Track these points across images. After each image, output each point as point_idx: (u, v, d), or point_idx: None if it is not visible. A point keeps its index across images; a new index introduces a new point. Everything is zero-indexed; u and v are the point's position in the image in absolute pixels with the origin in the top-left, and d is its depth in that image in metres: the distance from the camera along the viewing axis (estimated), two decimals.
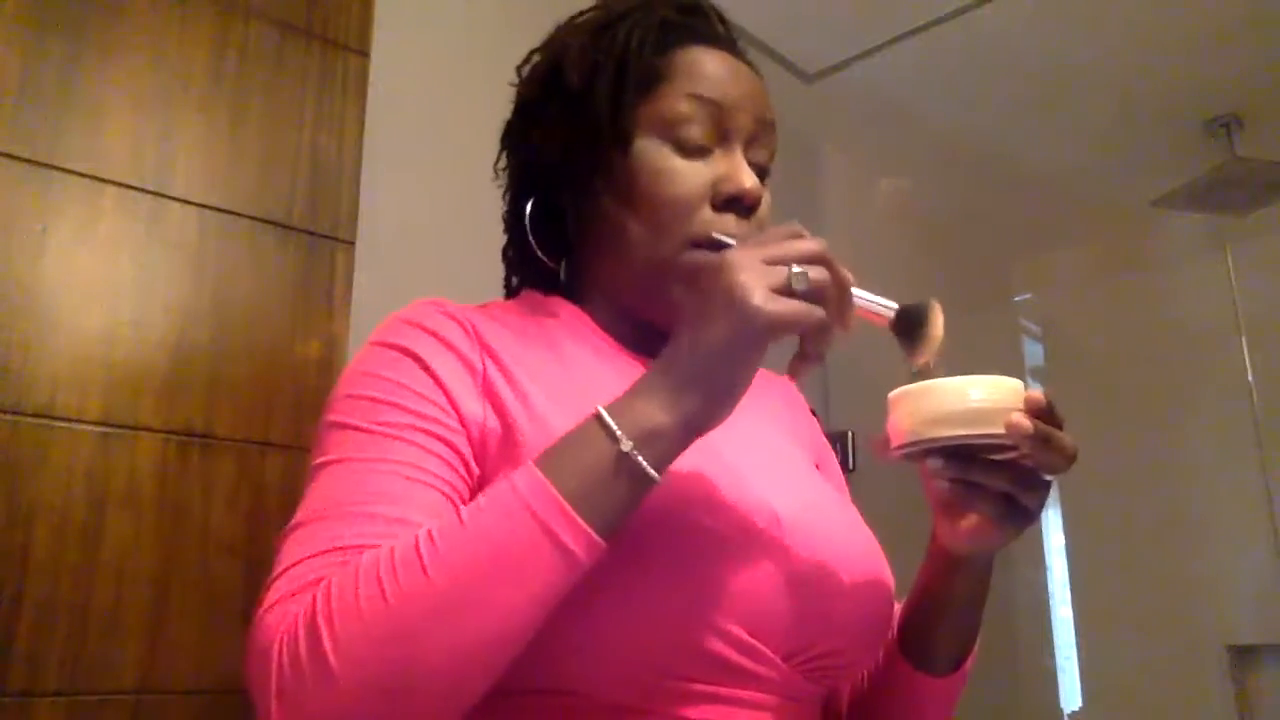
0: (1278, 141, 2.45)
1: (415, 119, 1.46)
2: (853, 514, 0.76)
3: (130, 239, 1.12)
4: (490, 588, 0.52)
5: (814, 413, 0.98)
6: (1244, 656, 1.89)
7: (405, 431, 0.62)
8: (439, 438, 0.63)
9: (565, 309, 0.77)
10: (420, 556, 0.53)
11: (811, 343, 0.60)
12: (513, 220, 0.82)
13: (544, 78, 0.78)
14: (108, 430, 1.06)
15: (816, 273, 0.58)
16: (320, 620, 0.52)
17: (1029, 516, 0.63)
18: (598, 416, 0.56)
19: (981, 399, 0.60)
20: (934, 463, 0.63)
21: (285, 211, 1.25)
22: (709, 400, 0.57)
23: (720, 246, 0.68)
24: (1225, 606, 1.89)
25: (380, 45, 1.41)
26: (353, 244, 1.30)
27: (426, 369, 0.65)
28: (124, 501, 1.05)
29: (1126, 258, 2.94)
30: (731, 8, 0.84)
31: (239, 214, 1.21)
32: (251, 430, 1.15)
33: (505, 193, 0.82)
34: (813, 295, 0.57)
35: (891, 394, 0.66)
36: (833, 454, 0.90)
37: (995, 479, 0.61)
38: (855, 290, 0.65)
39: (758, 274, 0.56)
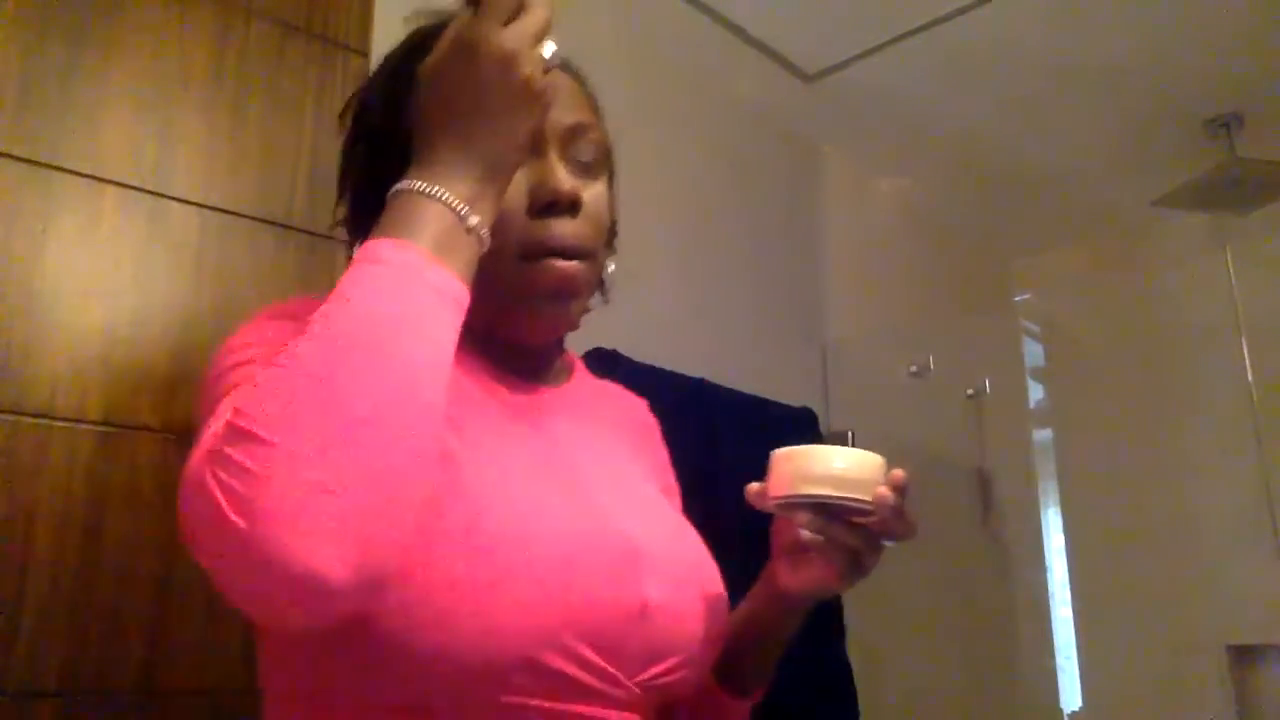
0: (1278, 141, 2.45)
1: None
2: (696, 539, 0.79)
3: (130, 239, 1.12)
4: (400, 332, 0.55)
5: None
6: (1244, 656, 1.89)
7: None
8: None
9: None
10: (319, 334, 0.54)
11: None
12: (359, 233, 0.80)
13: (355, 114, 0.81)
14: (108, 430, 1.06)
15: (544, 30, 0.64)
16: (236, 419, 0.50)
17: (865, 573, 0.73)
18: (424, 194, 0.60)
19: (853, 467, 0.69)
20: (803, 515, 0.71)
21: (285, 211, 1.25)
22: (503, 169, 0.63)
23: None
24: (1225, 606, 1.89)
25: (380, 45, 1.41)
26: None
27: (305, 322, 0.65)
28: (124, 501, 1.05)
29: (1126, 258, 2.94)
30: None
31: (239, 214, 1.21)
32: None
33: (343, 217, 0.82)
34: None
35: (775, 452, 0.73)
36: (674, 479, 0.92)
37: (850, 537, 0.71)
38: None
39: (524, 46, 0.62)
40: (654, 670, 0.67)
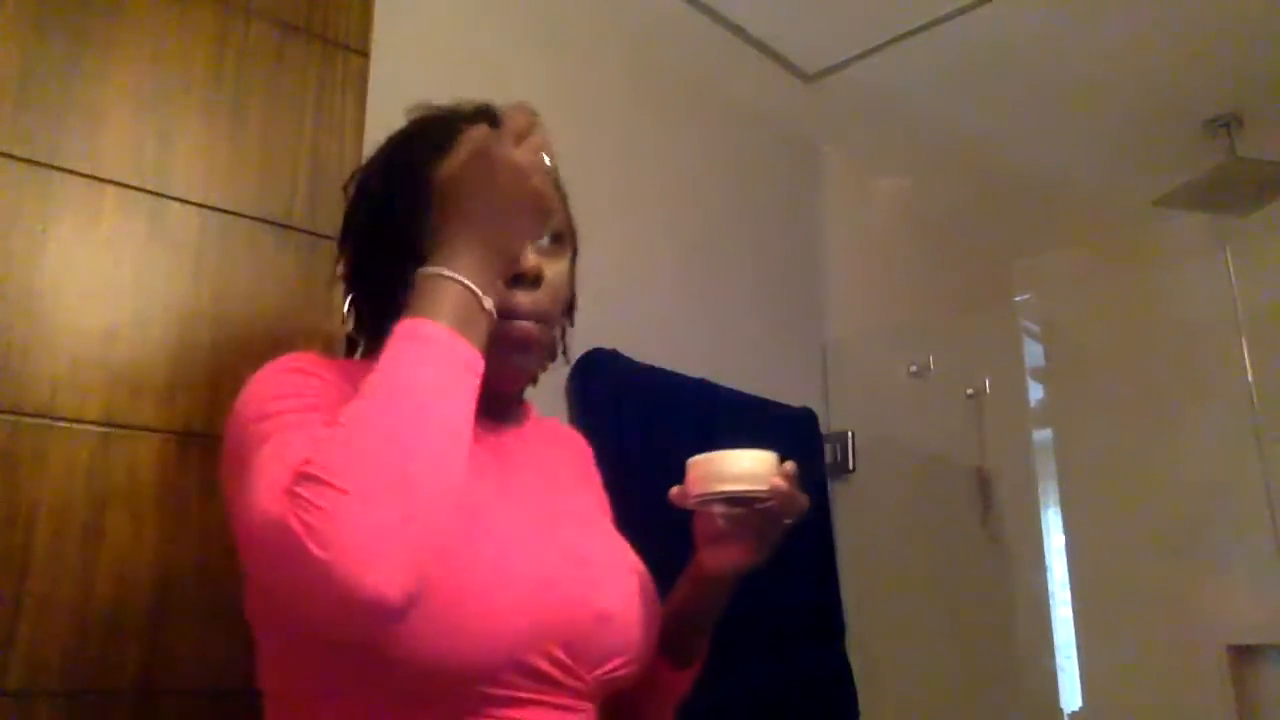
0: (1278, 141, 2.45)
1: None
2: (635, 557, 0.93)
3: (130, 239, 1.12)
4: (432, 401, 0.67)
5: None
6: (1244, 656, 1.89)
7: (318, 407, 0.72)
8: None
9: None
10: (368, 405, 0.65)
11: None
12: (360, 293, 0.95)
13: (355, 191, 0.96)
14: (108, 430, 1.06)
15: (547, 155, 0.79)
16: (309, 467, 0.61)
17: (772, 545, 0.90)
18: (446, 278, 0.72)
19: (753, 466, 0.86)
20: (718, 507, 0.88)
21: (285, 211, 1.25)
22: (508, 252, 0.77)
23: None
24: (1225, 606, 1.90)
25: (380, 45, 1.41)
26: None
27: (329, 383, 0.77)
28: (124, 501, 1.05)
29: (1126, 258, 2.95)
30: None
31: (239, 214, 1.21)
32: None
33: (346, 267, 0.96)
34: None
35: (690, 459, 0.89)
36: (606, 497, 1.06)
37: (755, 520, 0.88)
38: None
39: (534, 161, 0.76)
40: (608, 667, 0.81)
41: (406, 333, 0.70)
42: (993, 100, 2.41)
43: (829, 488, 2.24)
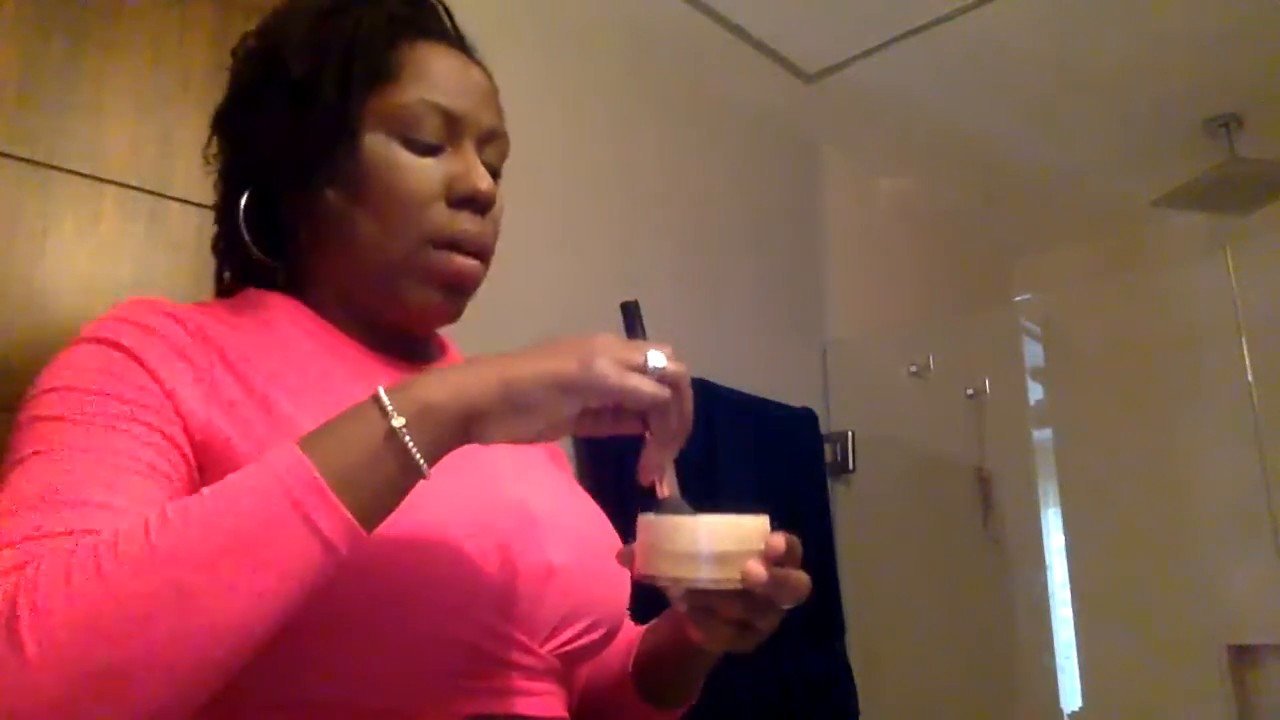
0: (1278, 141, 2.45)
1: None
2: (589, 503, 0.77)
3: (130, 239, 1.12)
4: (229, 571, 0.48)
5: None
6: (1244, 656, 1.88)
7: (118, 421, 0.57)
8: (155, 428, 0.58)
9: (292, 306, 0.73)
10: (148, 534, 0.48)
11: (653, 433, 0.60)
12: (225, 212, 0.77)
13: (263, 63, 0.74)
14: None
15: (675, 368, 0.58)
16: (21, 604, 0.46)
17: (762, 635, 0.64)
18: (375, 394, 0.53)
19: (723, 544, 0.59)
20: (672, 593, 0.64)
21: None
22: (500, 408, 0.55)
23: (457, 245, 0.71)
24: (1225, 606, 1.89)
25: None
26: None
27: (141, 363, 0.60)
28: None
29: (1126, 258, 2.95)
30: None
31: None
32: None
33: (216, 183, 0.78)
34: (660, 379, 0.58)
35: (642, 517, 0.62)
36: (563, 455, 0.89)
37: (730, 610, 0.62)
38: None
39: (618, 347, 0.57)
40: (564, 635, 0.66)
41: (269, 468, 0.51)
42: (993, 100, 2.41)
43: (829, 488, 2.24)
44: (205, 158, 0.78)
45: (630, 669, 0.80)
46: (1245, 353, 1.90)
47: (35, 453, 0.56)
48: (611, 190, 1.98)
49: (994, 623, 2.13)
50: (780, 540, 0.60)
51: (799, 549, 0.61)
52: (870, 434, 2.31)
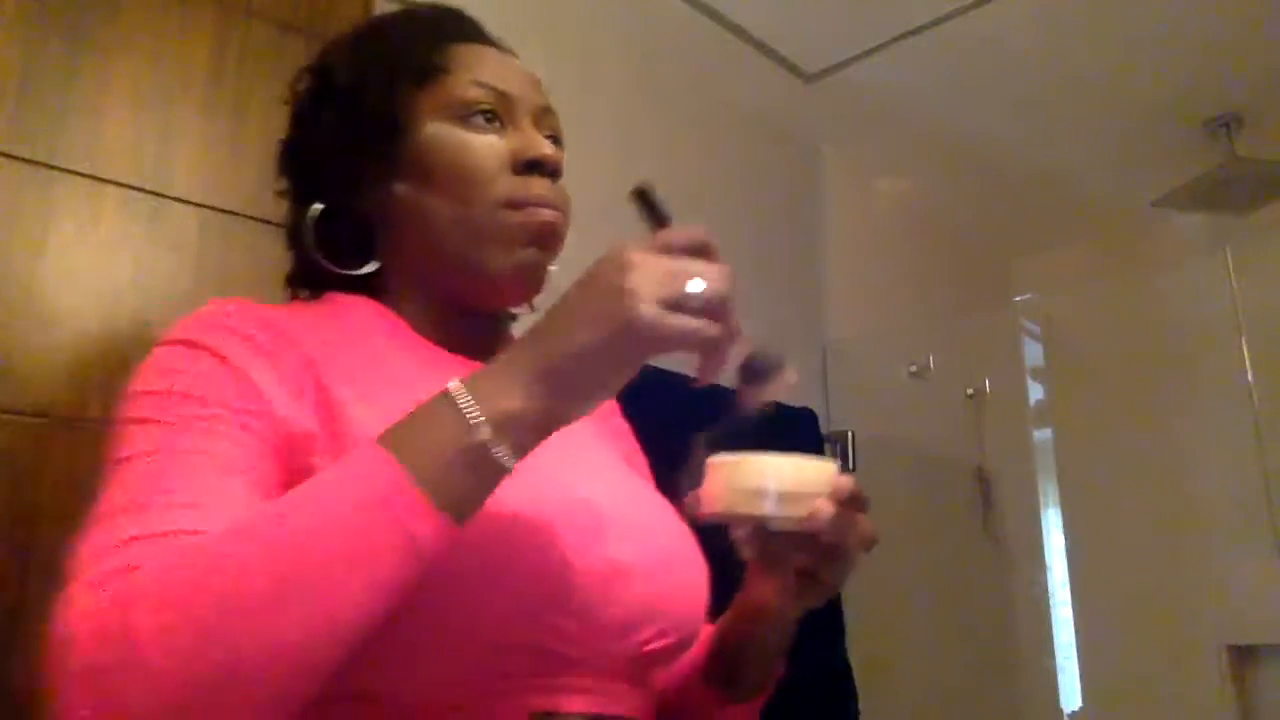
0: (1278, 141, 2.45)
1: None
2: (665, 505, 0.75)
3: (130, 239, 1.12)
4: (326, 576, 0.48)
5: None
6: (1244, 656, 1.88)
7: (212, 423, 0.58)
8: (244, 427, 0.59)
9: (370, 308, 0.74)
10: (247, 536, 0.49)
11: (704, 360, 0.57)
12: (297, 233, 0.79)
13: (316, 84, 0.78)
14: (108, 430, 1.05)
15: (714, 289, 0.54)
16: (133, 609, 0.48)
17: (828, 589, 0.66)
18: (448, 394, 0.52)
19: (790, 482, 0.62)
20: (740, 534, 0.66)
21: (285, 212, 1.25)
22: (574, 395, 0.54)
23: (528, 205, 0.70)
24: (1225, 606, 1.89)
25: None
26: None
27: (226, 363, 0.61)
28: None
29: (1126, 258, 2.95)
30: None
31: (239, 214, 1.21)
32: None
33: (288, 209, 0.81)
34: (704, 310, 0.54)
35: (711, 459, 0.64)
36: (639, 449, 0.89)
37: (795, 556, 0.64)
38: None
39: (653, 281, 0.52)
40: (636, 638, 0.64)
41: (358, 470, 0.51)
42: (993, 100, 2.41)
43: None
44: (275, 193, 0.82)
45: (703, 662, 0.79)
46: (1245, 353, 1.90)
47: (127, 458, 0.58)
48: (610, 190, 1.98)
49: (994, 623, 2.12)
50: (848, 481, 0.62)
51: (865, 497, 0.63)
52: (870, 434, 2.31)
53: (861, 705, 2.10)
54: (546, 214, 0.71)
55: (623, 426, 0.90)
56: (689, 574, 0.70)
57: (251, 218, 1.22)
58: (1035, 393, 2.23)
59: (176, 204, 1.16)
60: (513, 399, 0.52)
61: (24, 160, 1.05)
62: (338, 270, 0.75)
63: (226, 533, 0.50)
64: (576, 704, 0.61)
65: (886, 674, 2.18)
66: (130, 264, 1.11)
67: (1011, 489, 2.16)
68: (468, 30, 0.80)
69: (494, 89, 0.73)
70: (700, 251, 0.55)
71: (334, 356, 0.66)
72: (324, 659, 0.49)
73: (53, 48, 1.09)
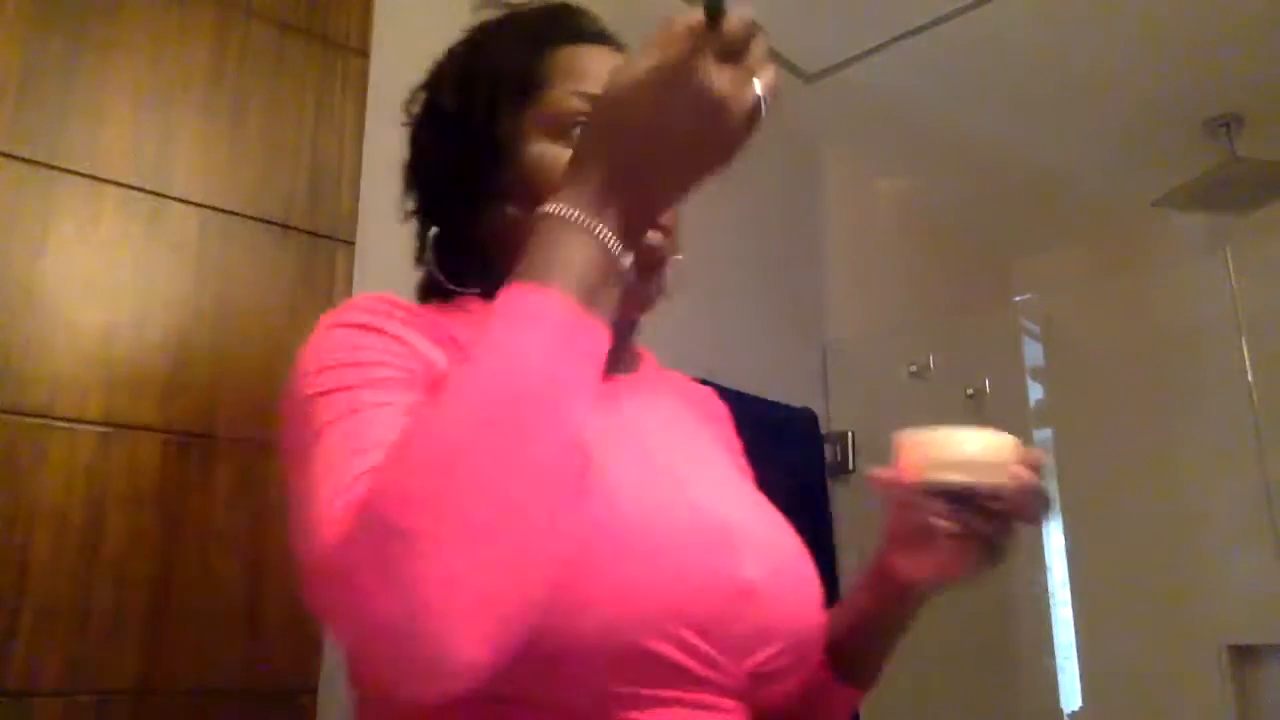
0: (1278, 141, 2.45)
1: None
2: (784, 522, 0.77)
3: (130, 239, 1.12)
4: (550, 396, 0.51)
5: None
6: (1244, 656, 1.88)
7: (397, 383, 0.60)
8: (423, 384, 0.61)
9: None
10: (462, 399, 0.51)
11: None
12: (421, 251, 0.81)
13: (426, 107, 0.80)
14: (108, 430, 1.06)
15: (768, 84, 0.58)
16: (379, 503, 0.49)
17: (1002, 558, 0.73)
18: (574, 221, 0.55)
19: (988, 451, 0.69)
20: (936, 504, 0.71)
21: (285, 211, 1.25)
22: (668, 193, 0.59)
23: None
24: (1225, 606, 1.89)
25: (380, 45, 1.41)
26: (353, 244, 1.30)
27: (394, 336, 0.63)
28: (124, 501, 1.05)
29: (1126, 258, 2.94)
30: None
31: (239, 214, 1.21)
32: (251, 430, 1.15)
33: (415, 228, 0.82)
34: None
35: (903, 436, 0.72)
36: (748, 468, 0.90)
37: (987, 524, 0.70)
38: None
39: (738, 88, 0.56)
40: (760, 657, 0.65)
41: (518, 307, 0.53)
42: (993, 100, 2.41)
43: (829, 488, 2.24)
44: (404, 214, 0.83)
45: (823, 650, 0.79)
46: (1245, 353, 1.90)
47: (327, 423, 0.57)
48: None
49: (994, 623, 2.12)
50: (1040, 452, 0.70)
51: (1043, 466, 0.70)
52: (870, 434, 2.31)
53: (861, 705, 2.09)
54: (649, 238, 0.69)
55: (736, 445, 0.91)
56: (809, 593, 0.72)
57: (251, 218, 1.22)
58: (1035, 393, 2.23)
59: (176, 204, 1.16)
60: (625, 223, 0.56)
61: (24, 160, 1.05)
62: (458, 290, 0.76)
63: (434, 413, 0.51)
64: (694, 718, 0.62)
65: (886, 674, 2.18)
66: (130, 264, 1.11)
67: None
68: (571, 30, 0.78)
69: (594, 97, 0.69)
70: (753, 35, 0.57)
71: (469, 335, 0.67)
72: (567, 479, 0.52)
73: (53, 48, 1.09)
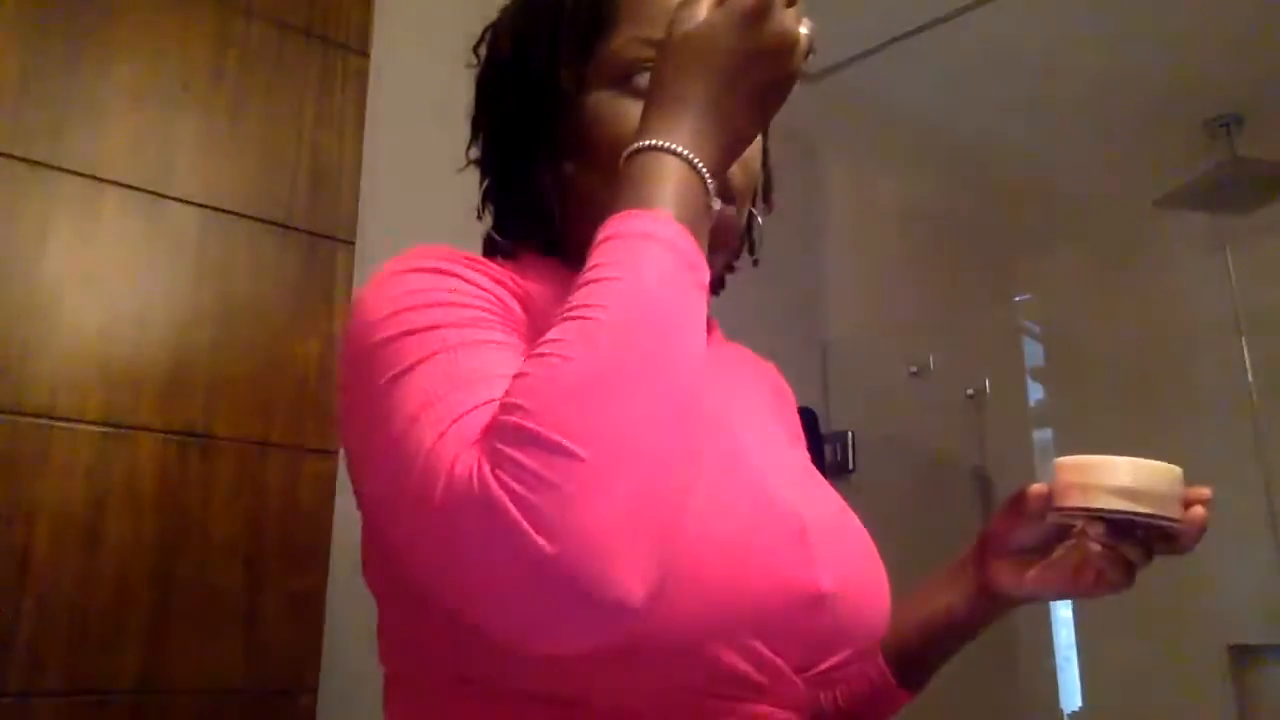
0: (1278, 141, 2.45)
1: (415, 119, 1.45)
2: (853, 515, 0.73)
3: (130, 239, 1.12)
4: (680, 334, 0.50)
5: (811, 411, 0.99)
6: (1244, 656, 1.89)
7: (483, 322, 0.56)
8: (508, 329, 0.58)
9: (552, 270, 0.69)
10: (601, 315, 0.48)
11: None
12: (484, 197, 0.77)
13: (488, 54, 0.76)
14: (108, 430, 1.06)
15: (811, 27, 0.62)
16: (523, 419, 0.44)
17: (1131, 584, 0.71)
18: (682, 158, 0.54)
19: (1165, 483, 0.70)
20: (1095, 528, 0.72)
21: (285, 211, 1.25)
22: (742, 137, 0.60)
23: None
24: (1225, 606, 1.90)
25: (380, 45, 1.41)
26: (353, 244, 1.30)
27: (468, 280, 0.59)
28: (124, 501, 1.05)
29: (1126, 258, 2.94)
30: None
31: (239, 214, 1.21)
32: (251, 430, 1.15)
33: (481, 178, 0.77)
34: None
35: (1061, 460, 0.74)
36: (789, 394, 0.89)
37: (1135, 552, 0.70)
38: None
39: (791, 30, 0.60)
40: (824, 665, 0.62)
41: (623, 228, 0.52)
42: (993, 100, 2.41)
43: None
44: (466, 157, 0.78)
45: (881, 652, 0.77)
46: (1245, 353, 1.90)
47: (416, 363, 0.53)
48: None
49: (994, 623, 2.12)
50: (1208, 490, 0.69)
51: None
52: (870, 434, 2.31)
53: None
54: (720, 211, 0.64)
55: (798, 424, 0.87)
56: (880, 599, 0.68)
57: (251, 218, 1.22)
58: (1035, 393, 2.23)
59: (176, 204, 1.16)
60: (715, 157, 0.56)
61: (24, 160, 1.05)
62: (507, 243, 0.73)
63: (573, 325, 0.48)
64: None
65: None
66: (130, 264, 1.11)
67: (1011, 489, 2.16)
68: None
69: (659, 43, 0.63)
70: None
71: (552, 305, 0.64)
72: (701, 400, 0.50)
73: (53, 48, 1.09)
